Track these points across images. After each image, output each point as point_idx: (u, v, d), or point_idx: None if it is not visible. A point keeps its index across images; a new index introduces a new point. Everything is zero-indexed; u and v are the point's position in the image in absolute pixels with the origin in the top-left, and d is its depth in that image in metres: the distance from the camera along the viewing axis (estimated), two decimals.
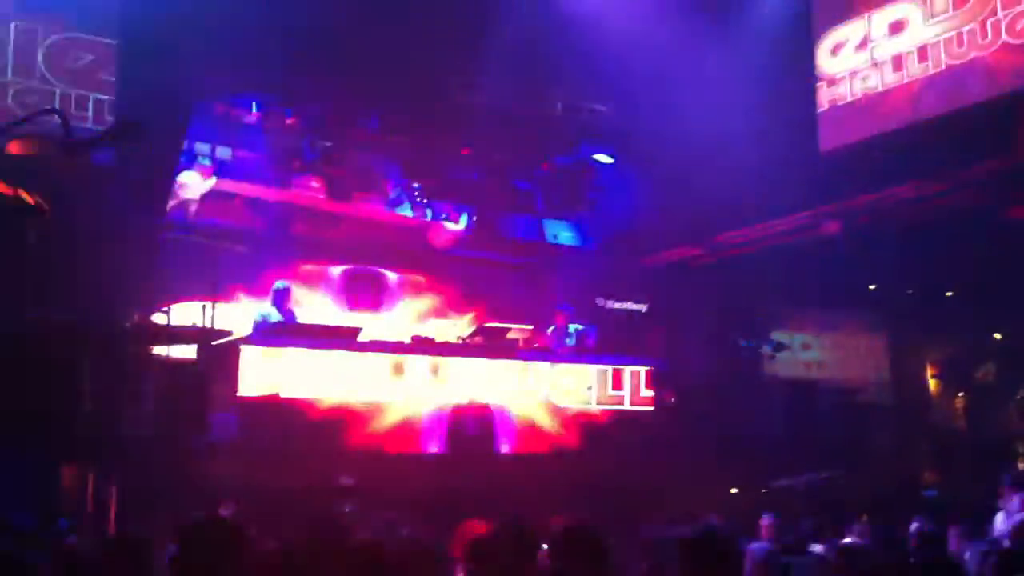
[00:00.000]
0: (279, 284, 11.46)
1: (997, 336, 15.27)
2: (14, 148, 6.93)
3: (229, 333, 9.91)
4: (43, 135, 7.61)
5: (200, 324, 9.64)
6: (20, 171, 6.97)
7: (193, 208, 12.18)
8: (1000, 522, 7.62)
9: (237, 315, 11.26)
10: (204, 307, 9.80)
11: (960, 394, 15.69)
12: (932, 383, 16.04)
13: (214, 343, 9.68)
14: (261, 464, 9.44)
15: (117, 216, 10.07)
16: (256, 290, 12.38)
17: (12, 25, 10.64)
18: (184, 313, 10.09)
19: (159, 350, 9.45)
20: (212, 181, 12.39)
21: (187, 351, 9.43)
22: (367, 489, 9.77)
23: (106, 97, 11.09)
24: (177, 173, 11.93)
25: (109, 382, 8.49)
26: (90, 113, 10.99)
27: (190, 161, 12.34)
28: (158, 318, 9.83)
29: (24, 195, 7.10)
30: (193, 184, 12.21)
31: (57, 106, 10.28)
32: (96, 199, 9.52)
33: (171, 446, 8.60)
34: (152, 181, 11.06)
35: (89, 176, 8.85)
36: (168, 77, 10.56)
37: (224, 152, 12.88)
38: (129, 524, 8.53)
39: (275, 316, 11.16)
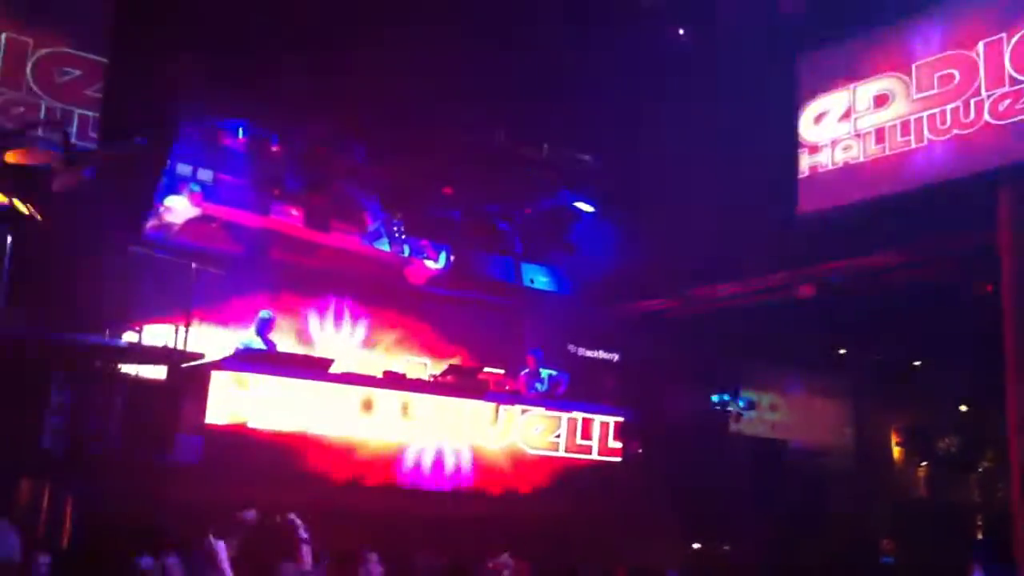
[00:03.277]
0: (264, 314, 11.47)
1: (962, 408, 15.41)
2: (12, 158, 6.94)
3: (200, 356, 9.86)
4: (42, 147, 7.64)
5: (171, 345, 9.60)
6: (13, 180, 6.99)
7: (174, 230, 12.12)
8: None
9: (210, 339, 11.19)
10: (176, 329, 9.77)
11: (922, 463, 15.80)
12: (895, 451, 16.16)
13: (184, 365, 9.64)
14: (222, 490, 9.35)
15: (96, 232, 10.02)
16: (229, 315, 12.33)
17: (3, 36, 10.61)
18: (156, 333, 10.04)
19: (128, 368, 9.41)
20: (198, 211, 12.34)
21: (158, 371, 9.39)
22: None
23: (91, 113, 11.04)
24: (161, 193, 11.87)
25: (76, 398, 8.43)
26: (74, 128, 10.95)
27: (174, 183, 12.27)
28: (129, 336, 9.78)
29: (18, 204, 7.09)
30: (180, 209, 12.15)
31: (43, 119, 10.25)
32: (76, 214, 9.48)
33: (134, 465, 8.53)
34: (133, 200, 11.01)
35: (72, 190, 8.81)
36: (155, 97, 10.56)
37: (206, 175, 12.81)
38: (83, 540, 8.45)
39: (257, 344, 11.12)
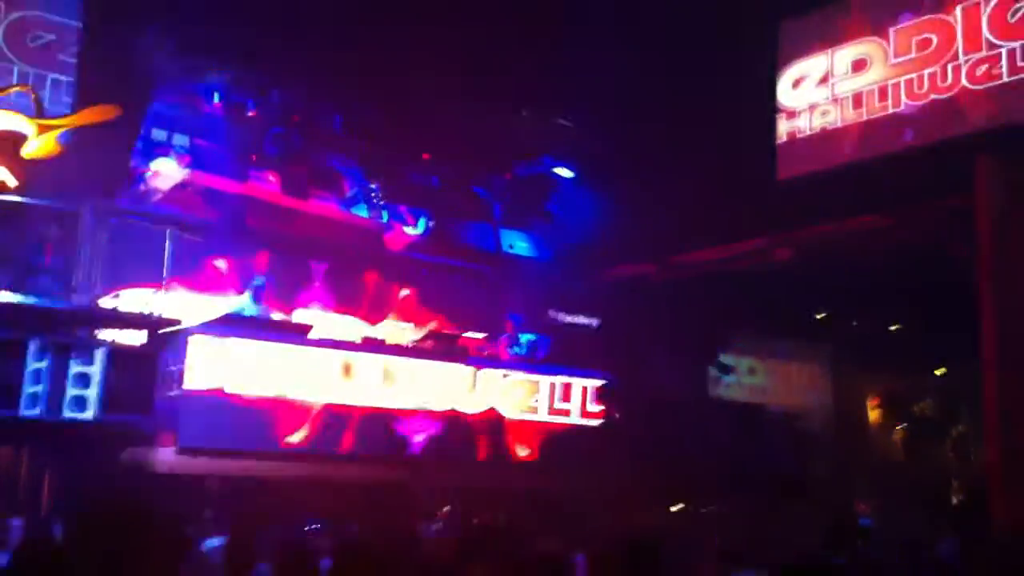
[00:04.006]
0: (257, 280, 11.49)
1: (938, 372, 15.55)
2: None
3: (177, 322, 9.83)
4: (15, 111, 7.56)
5: (149, 311, 9.56)
6: None
7: (158, 196, 12.03)
8: None
9: (187, 305, 11.15)
10: (154, 294, 9.74)
11: (899, 426, 15.94)
12: (872, 414, 16.30)
13: (161, 331, 9.61)
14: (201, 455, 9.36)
15: (70, 198, 9.94)
16: (206, 281, 12.29)
17: None
18: (133, 299, 10.00)
19: (107, 334, 9.36)
20: (186, 172, 12.26)
21: (136, 337, 9.36)
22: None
23: (65, 78, 10.92)
24: (138, 158, 11.76)
25: (53, 364, 8.39)
26: (47, 93, 10.82)
27: (149, 148, 12.16)
28: (107, 302, 9.73)
29: None
30: (167, 173, 12.06)
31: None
32: (52, 179, 9.39)
33: (113, 432, 8.51)
34: (108, 165, 10.91)
35: (47, 156, 8.73)
36: (130, 61, 10.45)
37: (181, 140, 12.70)
38: (62, 507, 8.43)
39: (251, 310, 11.14)
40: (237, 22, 11.07)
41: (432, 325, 12.81)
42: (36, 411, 8.16)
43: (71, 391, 8.32)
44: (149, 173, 11.96)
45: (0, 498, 8.72)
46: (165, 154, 12.31)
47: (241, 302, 11.40)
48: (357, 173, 14.01)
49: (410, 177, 14.44)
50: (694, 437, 12.40)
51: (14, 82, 10.23)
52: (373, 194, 14.07)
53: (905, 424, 15.81)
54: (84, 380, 8.41)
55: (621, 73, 12.19)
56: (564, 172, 14.68)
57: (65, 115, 9.94)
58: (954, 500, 13.32)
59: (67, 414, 8.20)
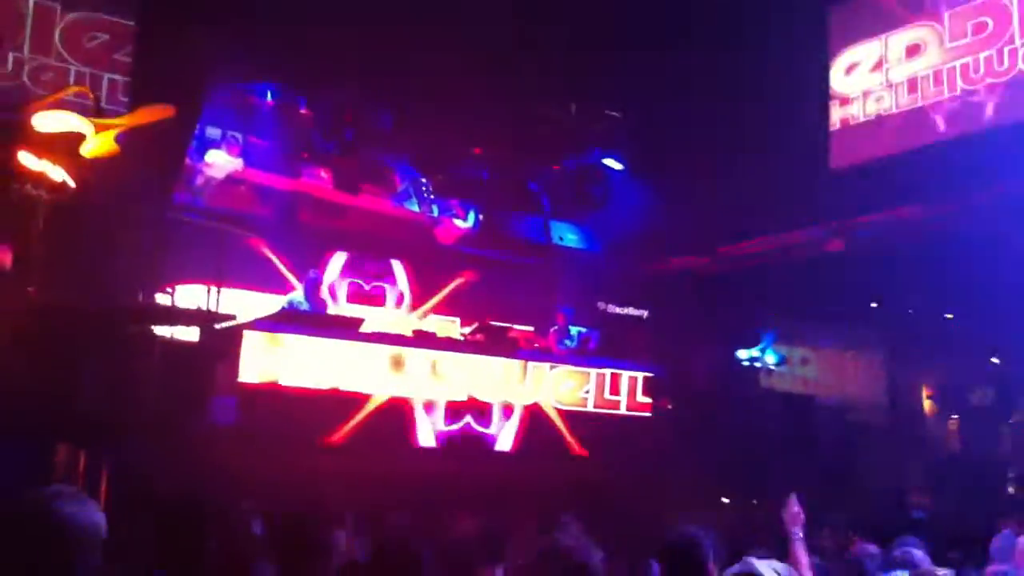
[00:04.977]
0: (311, 273, 11.66)
1: (994, 360, 15.31)
2: (43, 124, 6.97)
3: (232, 317, 9.95)
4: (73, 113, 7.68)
5: (204, 307, 9.69)
6: (46, 146, 7.03)
7: (214, 186, 12.23)
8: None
9: (240, 301, 11.32)
10: (208, 290, 9.86)
11: (954, 416, 15.73)
12: (927, 404, 16.09)
13: (217, 326, 9.73)
14: (258, 450, 9.48)
15: (126, 196, 10.09)
16: (260, 277, 12.46)
17: (31, 2, 10.64)
18: (188, 296, 10.14)
19: (162, 331, 9.50)
20: (239, 162, 12.45)
21: (190, 333, 9.48)
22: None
23: (120, 77, 11.09)
24: (193, 156, 11.95)
25: (110, 362, 8.53)
26: (103, 93, 11.00)
27: (204, 146, 12.35)
28: (162, 299, 9.88)
29: (47, 173, 7.13)
30: (221, 163, 12.27)
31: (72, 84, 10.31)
32: (106, 178, 9.54)
33: (169, 428, 8.63)
34: (164, 164, 11.07)
35: (104, 156, 8.87)
36: (184, 60, 10.58)
37: (235, 138, 12.90)
38: (119, 506, 8.58)
39: (305, 304, 11.30)
40: (289, 19, 11.16)
41: (482, 319, 12.86)
42: (93, 409, 8.31)
43: (128, 389, 8.46)
44: (203, 166, 12.17)
45: None
46: (218, 147, 12.53)
47: (294, 296, 11.55)
48: (407, 168, 14.11)
49: (460, 171, 14.51)
50: (744, 429, 12.33)
51: (71, 83, 10.42)
52: (424, 188, 14.16)
53: (960, 414, 15.59)
54: (141, 377, 8.55)
55: (671, 63, 12.13)
56: (614, 164, 14.64)
57: (121, 114, 10.08)
58: (1010, 490, 13.13)
59: (124, 412, 8.34)
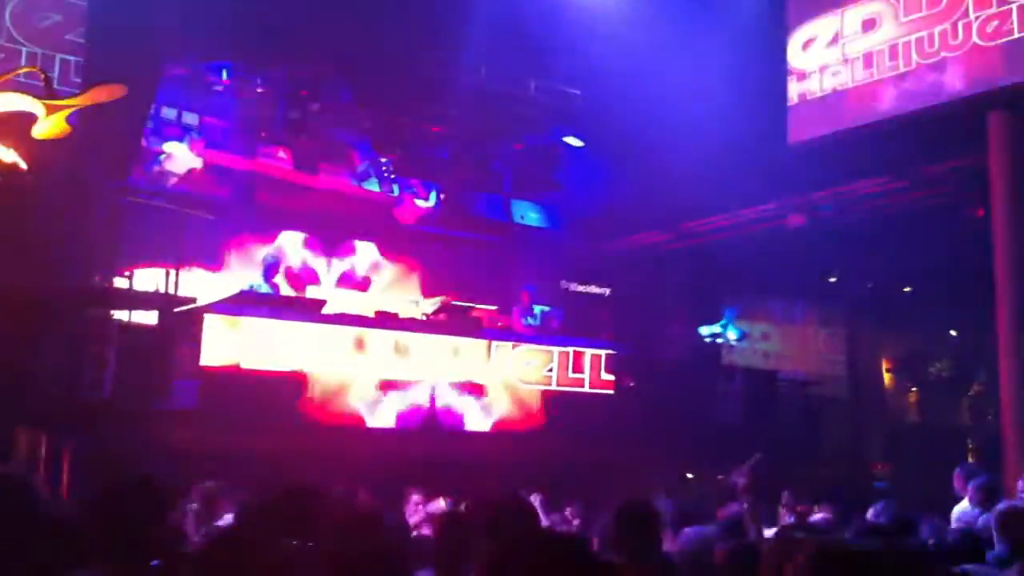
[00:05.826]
0: (268, 257, 11.57)
1: (953, 333, 15.50)
2: None
3: (192, 300, 9.85)
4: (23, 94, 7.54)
5: (163, 290, 9.58)
6: None
7: (173, 180, 12.09)
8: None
9: (200, 283, 11.20)
10: (167, 273, 9.75)
11: (914, 388, 15.92)
12: (887, 377, 16.27)
13: (176, 309, 9.63)
14: (220, 432, 9.42)
15: (81, 178, 9.94)
16: (218, 259, 12.35)
17: None
18: (147, 279, 10.02)
19: (120, 315, 9.39)
20: (200, 160, 12.30)
21: (149, 317, 9.38)
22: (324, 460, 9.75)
23: (73, 58, 10.90)
24: (149, 138, 11.79)
25: (69, 346, 8.43)
26: (56, 74, 10.81)
27: (159, 127, 12.19)
28: (120, 282, 9.75)
29: (1, 153, 7.00)
30: (181, 157, 12.11)
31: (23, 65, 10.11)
32: (60, 160, 9.40)
33: (130, 411, 8.55)
34: (118, 145, 10.91)
35: (56, 137, 8.73)
36: (137, 40, 10.42)
37: (191, 118, 12.73)
38: (81, 490, 8.49)
39: (264, 287, 11.20)
40: None
41: (445, 298, 12.83)
42: (52, 393, 8.21)
43: (87, 372, 8.36)
44: (163, 156, 12.01)
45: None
46: (177, 134, 12.35)
47: (252, 279, 11.46)
48: (367, 147, 14.02)
49: (420, 150, 14.44)
50: (707, 405, 12.42)
51: (23, 64, 10.23)
52: (384, 168, 14.08)
53: (920, 385, 15.78)
54: (99, 361, 8.45)
55: (628, 38, 12.11)
56: (574, 141, 14.63)
57: (74, 95, 9.91)
58: (970, 460, 13.29)
59: (83, 395, 8.25)
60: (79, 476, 8.72)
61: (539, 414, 11.83)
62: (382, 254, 13.86)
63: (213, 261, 12.36)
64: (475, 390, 11.61)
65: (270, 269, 11.55)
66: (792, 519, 7.70)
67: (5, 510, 2.79)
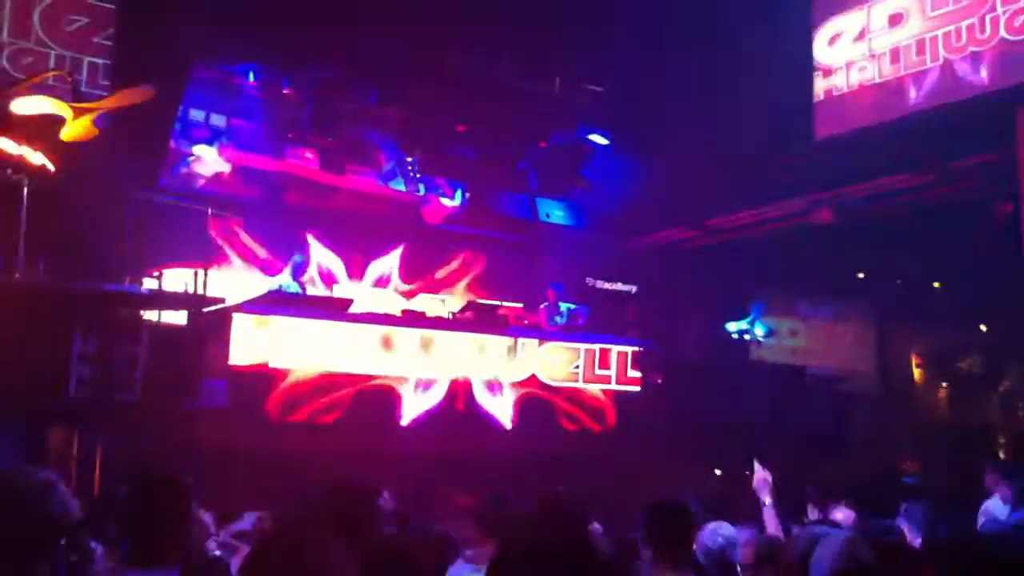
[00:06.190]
0: (297, 257, 11.67)
1: (983, 328, 15.38)
2: (22, 108, 6.92)
3: (221, 300, 9.94)
4: (52, 96, 7.63)
5: (191, 290, 9.67)
6: (25, 130, 6.98)
7: (200, 182, 12.21)
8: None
9: (228, 283, 11.31)
10: (196, 273, 9.84)
11: (944, 384, 15.81)
12: (916, 373, 16.17)
13: (205, 310, 9.71)
14: (250, 434, 9.50)
15: (110, 180, 10.04)
16: (247, 260, 12.45)
17: None
18: (176, 279, 10.12)
19: (150, 315, 9.48)
20: (228, 166, 12.41)
21: (178, 317, 9.47)
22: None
23: (101, 61, 11.01)
24: (179, 139, 11.90)
25: (99, 346, 8.52)
26: (84, 76, 10.93)
27: (187, 129, 12.29)
28: (149, 283, 9.85)
29: (28, 157, 7.09)
30: (209, 161, 12.22)
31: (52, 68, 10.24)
32: (89, 163, 9.50)
33: (160, 411, 8.63)
34: (146, 146, 11.02)
35: (85, 139, 8.83)
36: (165, 42, 10.52)
37: (219, 120, 12.85)
38: (112, 489, 8.59)
39: (293, 287, 11.29)
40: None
41: (471, 296, 12.87)
42: (84, 394, 8.30)
43: (117, 373, 8.45)
44: (192, 158, 12.12)
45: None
46: (205, 136, 12.46)
47: (282, 279, 11.55)
48: (393, 147, 14.07)
49: (446, 150, 14.48)
50: (734, 402, 12.37)
51: (51, 67, 10.34)
52: (410, 167, 14.13)
53: (950, 381, 15.67)
54: (130, 361, 8.54)
55: (653, 36, 12.10)
56: (599, 139, 14.62)
57: (102, 98, 10.02)
58: (1001, 457, 13.20)
59: (114, 395, 8.34)
60: (110, 475, 8.82)
61: (566, 411, 11.85)
62: (409, 253, 13.89)
63: (241, 261, 12.46)
64: (499, 387, 11.65)
65: (298, 269, 11.64)
66: (817, 515, 7.69)
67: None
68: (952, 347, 15.63)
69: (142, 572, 3.23)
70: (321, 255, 13.24)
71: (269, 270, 12.40)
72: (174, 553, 3.22)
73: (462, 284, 13.98)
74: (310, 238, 13.17)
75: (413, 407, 11.22)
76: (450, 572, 4.44)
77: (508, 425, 11.67)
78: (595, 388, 12.07)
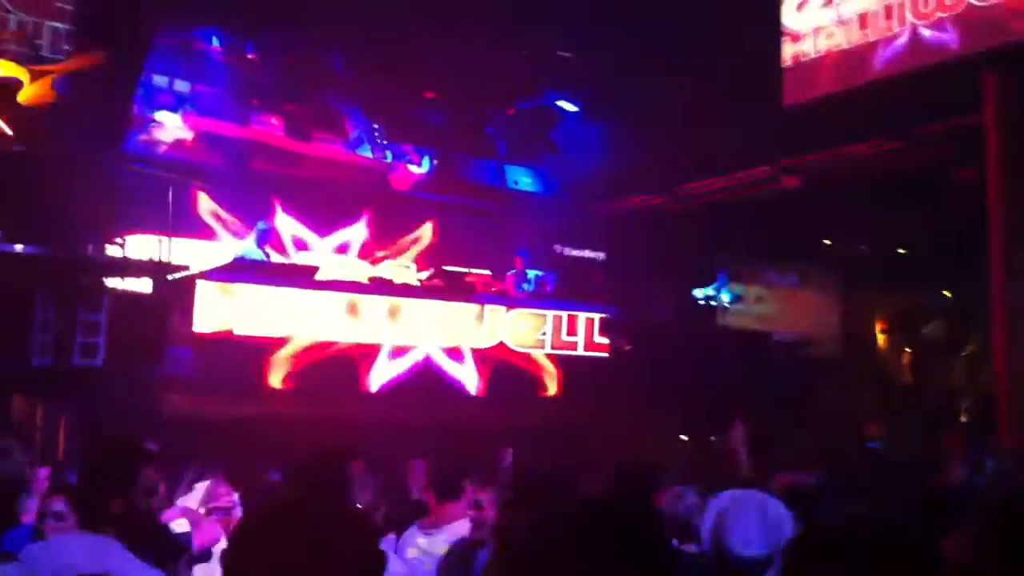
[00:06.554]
0: (261, 225, 11.54)
1: (947, 294, 15.52)
2: None
3: (185, 267, 9.89)
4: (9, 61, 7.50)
5: (156, 258, 9.61)
6: None
7: (162, 148, 12.07)
8: None
9: (192, 251, 11.22)
10: (160, 241, 9.77)
11: (908, 349, 15.94)
12: (880, 338, 16.30)
13: (169, 277, 9.66)
14: (214, 400, 9.44)
15: (73, 146, 9.92)
16: (210, 227, 12.35)
17: None
18: (139, 246, 10.04)
19: (113, 282, 9.42)
20: (191, 134, 12.26)
21: (143, 284, 9.41)
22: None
23: (63, 25, 10.83)
24: (138, 106, 11.74)
25: (62, 313, 8.46)
26: (46, 41, 10.75)
27: (151, 94, 12.13)
28: (112, 250, 9.77)
29: None
30: (171, 127, 12.08)
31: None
32: (52, 128, 9.38)
33: (124, 378, 8.59)
34: (109, 112, 10.87)
35: (46, 105, 8.71)
36: (127, 6, 10.37)
37: (182, 86, 12.69)
38: (78, 456, 8.54)
39: (256, 255, 11.19)
40: None
41: (438, 264, 12.84)
42: (46, 360, 8.25)
43: (80, 339, 8.40)
44: (153, 124, 11.97)
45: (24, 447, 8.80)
46: (169, 102, 12.31)
47: (245, 247, 11.44)
48: (360, 114, 13.96)
49: (413, 116, 14.39)
50: (701, 368, 12.43)
51: (12, 31, 10.16)
52: (377, 134, 14.04)
53: (914, 346, 15.80)
54: (93, 328, 8.49)
55: (621, 1, 12.05)
56: (567, 105, 14.58)
57: (60, 62, 9.87)
58: (963, 420, 13.34)
59: (77, 362, 8.29)
60: (75, 443, 8.77)
61: (533, 377, 11.86)
62: (376, 220, 13.81)
63: (206, 228, 12.35)
64: (469, 354, 11.64)
65: (262, 236, 11.51)
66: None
67: None
68: (916, 312, 15.76)
69: (81, 536, 3.20)
70: (288, 223, 13.13)
71: (233, 237, 12.30)
72: (117, 518, 3.17)
73: (428, 251, 13.89)
74: (278, 206, 13.06)
75: (381, 374, 11.19)
76: (403, 536, 4.43)
77: (473, 392, 11.65)
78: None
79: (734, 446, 5.67)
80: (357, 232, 13.65)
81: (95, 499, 3.17)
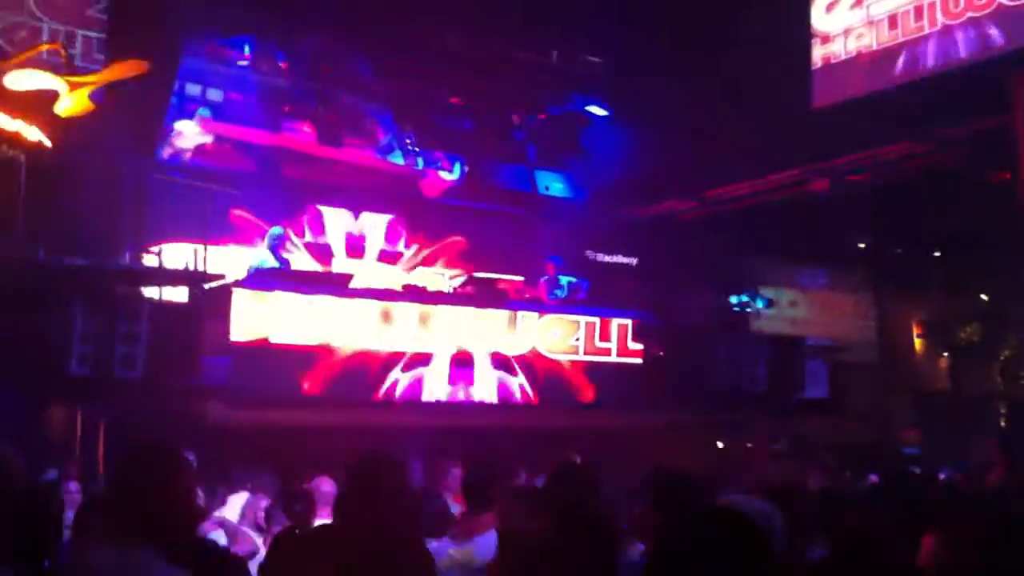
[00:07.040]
0: (275, 230, 11.46)
1: (983, 297, 15.39)
2: (16, 82, 6.87)
3: (221, 276, 9.93)
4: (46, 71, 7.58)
5: (191, 266, 9.66)
6: (20, 105, 6.94)
7: (187, 156, 12.14)
8: None
9: (229, 258, 11.27)
10: (195, 250, 9.82)
11: (944, 354, 15.82)
12: (917, 342, 16.18)
13: (205, 286, 9.71)
14: (250, 410, 9.47)
15: (108, 156, 10.01)
16: (246, 234, 12.41)
17: None
18: (175, 255, 10.10)
19: (150, 292, 9.48)
20: (209, 138, 12.32)
21: (179, 293, 9.46)
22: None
23: (95, 34, 10.92)
24: (171, 115, 11.84)
25: (100, 323, 8.52)
26: (78, 50, 10.85)
27: (184, 103, 12.23)
28: (149, 260, 9.84)
29: (24, 133, 7.06)
30: (189, 134, 12.15)
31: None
32: (86, 138, 9.46)
33: (162, 388, 8.64)
34: (143, 121, 10.97)
35: (81, 114, 8.79)
36: (159, 15, 10.45)
37: (215, 94, 12.77)
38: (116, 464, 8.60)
39: (271, 262, 11.17)
40: None
41: (470, 270, 12.85)
42: (85, 371, 8.31)
43: (119, 349, 8.46)
44: (173, 133, 12.05)
45: (63, 458, 8.86)
46: (189, 111, 12.39)
47: (260, 253, 11.35)
48: (390, 120, 14.01)
49: (444, 122, 14.41)
50: (735, 372, 12.37)
51: (45, 41, 10.26)
52: (407, 141, 14.08)
53: (950, 351, 15.68)
54: (132, 338, 8.55)
55: (650, 5, 12.03)
56: (597, 110, 14.56)
57: (96, 72, 9.96)
58: (1002, 424, 13.25)
59: (116, 372, 8.35)
60: (114, 452, 8.84)
61: (566, 383, 11.83)
62: (408, 227, 13.85)
63: (240, 236, 12.42)
64: (502, 360, 11.61)
65: (276, 242, 11.41)
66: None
67: None
68: (952, 316, 15.63)
69: (116, 552, 2.91)
70: (318, 228, 13.18)
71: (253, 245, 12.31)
72: (156, 532, 2.91)
73: (459, 257, 13.91)
74: (310, 210, 13.09)
75: (415, 382, 11.19)
76: (431, 547, 4.42)
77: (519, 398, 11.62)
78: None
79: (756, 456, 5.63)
80: (389, 238, 13.69)
81: (131, 511, 3.02)
